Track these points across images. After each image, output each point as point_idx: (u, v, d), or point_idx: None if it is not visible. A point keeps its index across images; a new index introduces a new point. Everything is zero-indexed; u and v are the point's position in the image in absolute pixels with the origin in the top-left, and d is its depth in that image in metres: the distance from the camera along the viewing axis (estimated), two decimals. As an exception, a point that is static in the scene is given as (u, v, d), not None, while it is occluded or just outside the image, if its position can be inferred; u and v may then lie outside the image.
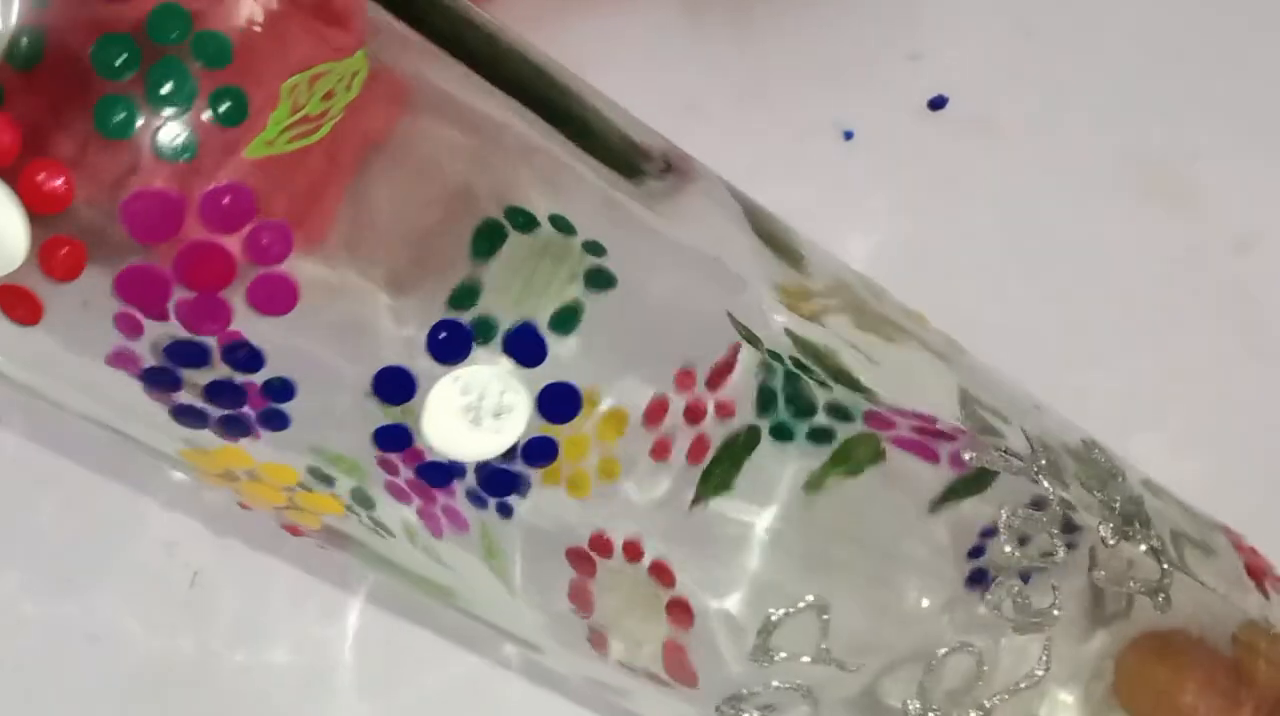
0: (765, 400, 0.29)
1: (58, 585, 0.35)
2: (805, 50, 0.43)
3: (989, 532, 0.30)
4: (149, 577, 0.36)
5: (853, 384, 0.30)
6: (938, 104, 0.43)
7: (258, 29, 0.24)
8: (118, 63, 0.23)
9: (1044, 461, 0.31)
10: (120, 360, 0.25)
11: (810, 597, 0.29)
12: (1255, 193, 0.42)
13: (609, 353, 0.28)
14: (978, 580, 0.30)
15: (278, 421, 0.26)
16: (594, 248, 0.27)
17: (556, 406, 0.26)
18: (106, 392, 0.26)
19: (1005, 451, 0.30)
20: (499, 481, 0.27)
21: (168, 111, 0.23)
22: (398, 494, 0.27)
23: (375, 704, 0.35)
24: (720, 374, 0.28)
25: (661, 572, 0.29)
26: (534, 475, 0.27)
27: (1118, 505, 0.32)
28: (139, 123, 0.23)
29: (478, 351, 0.26)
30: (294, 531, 0.29)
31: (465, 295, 0.25)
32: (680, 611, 0.30)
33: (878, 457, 0.30)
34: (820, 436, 0.29)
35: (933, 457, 0.30)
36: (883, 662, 0.30)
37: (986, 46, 0.44)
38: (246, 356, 0.24)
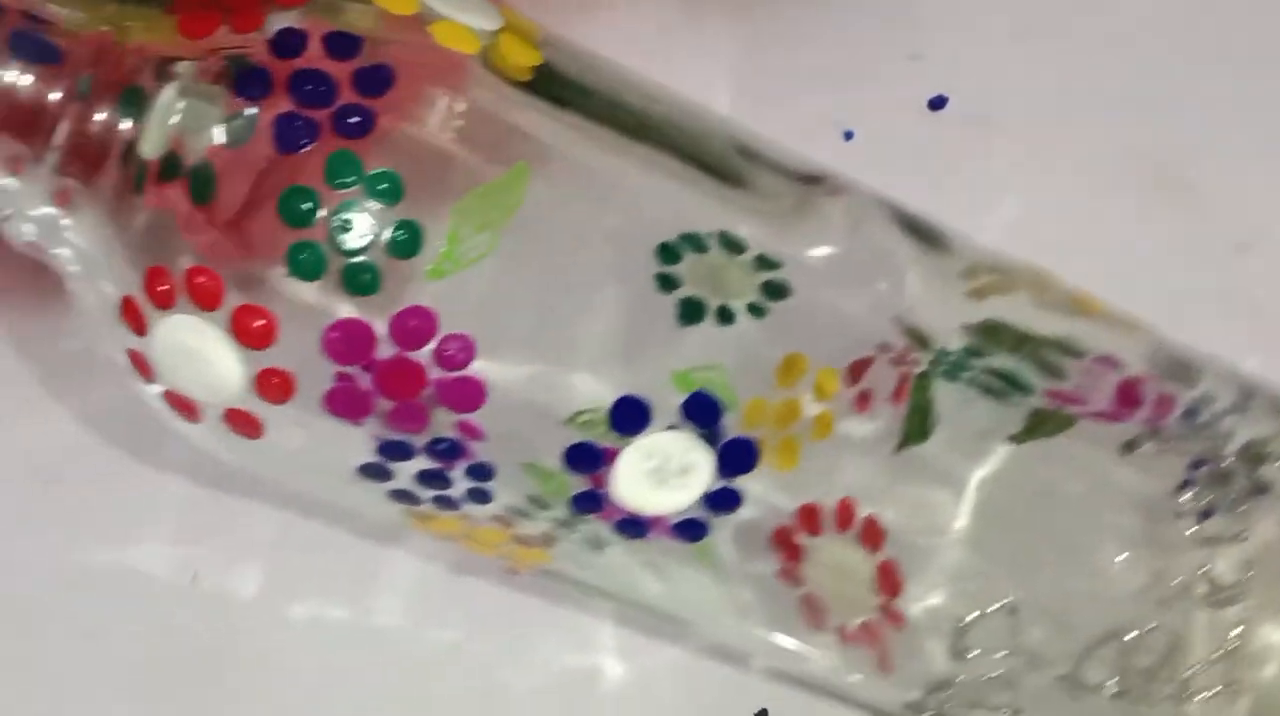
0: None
1: (56, 581, 0.36)
2: (805, 50, 0.42)
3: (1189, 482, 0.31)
4: (147, 576, 0.36)
5: (1040, 362, 0.31)
6: (938, 104, 0.42)
7: (424, 160, 0.26)
8: (302, 211, 0.25)
9: (1234, 443, 0.31)
10: (343, 457, 0.28)
11: (1005, 599, 0.31)
12: (1257, 191, 0.41)
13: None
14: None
15: (481, 497, 0.28)
16: (766, 262, 0.28)
17: (736, 461, 0.28)
18: (328, 485, 0.29)
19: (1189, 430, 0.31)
20: (691, 528, 0.29)
21: (351, 252, 0.25)
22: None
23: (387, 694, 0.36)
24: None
25: (872, 533, 0.31)
26: None
27: None
28: (327, 263, 0.25)
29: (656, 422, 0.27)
30: (514, 571, 0.32)
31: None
32: (889, 577, 0.31)
33: (1068, 425, 0.31)
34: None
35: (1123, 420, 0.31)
36: (1078, 649, 0.31)
37: (986, 46, 0.43)
38: (447, 448, 0.27)
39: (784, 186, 0.30)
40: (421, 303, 0.26)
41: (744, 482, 0.29)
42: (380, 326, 0.26)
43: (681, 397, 0.27)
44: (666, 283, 0.27)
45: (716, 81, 0.29)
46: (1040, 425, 0.30)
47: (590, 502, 0.28)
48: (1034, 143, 0.41)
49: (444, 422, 0.27)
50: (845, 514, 0.30)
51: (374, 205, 0.25)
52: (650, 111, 0.29)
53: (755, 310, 0.28)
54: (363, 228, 0.25)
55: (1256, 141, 0.42)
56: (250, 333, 0.26)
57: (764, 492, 0.30)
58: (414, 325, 0.26)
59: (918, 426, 0.30)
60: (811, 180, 0.31)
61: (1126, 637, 0.31)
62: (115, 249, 0.26)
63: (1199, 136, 0.42)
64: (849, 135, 0.41)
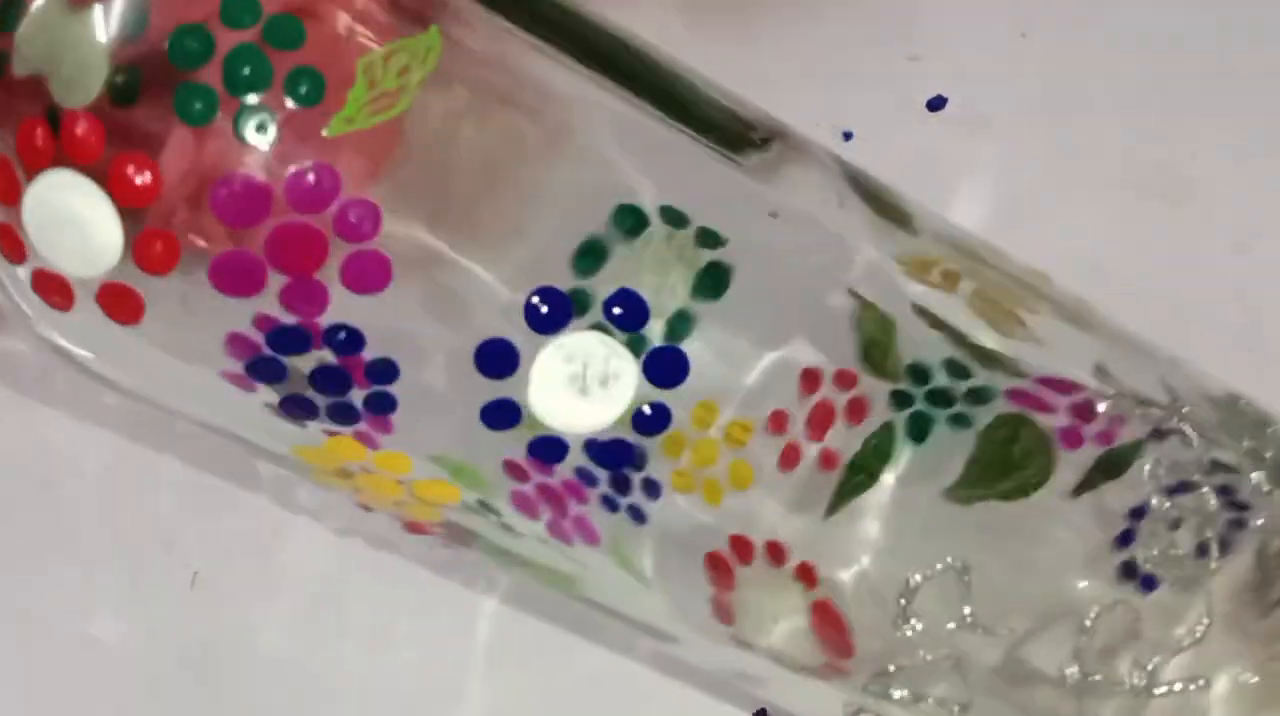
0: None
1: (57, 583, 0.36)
2: (803, 51, 0.43)
3: (1139, 512, 0.29)
4: (147, 576, 0.36)
5: (988, 357, 0.29)
6: (936, 105, 0.43)
7: (328, 8, 0.24)
8: (193, 51, 0.23)
9: (1186, 408, 0.29)
10: (230, 351, 0.25)
11: (950, 559, 0.28)
12: (1253, 191, 0.42)
13: (730, 347, 0.27)
14: (1126, 540, 0.29)
15: (385, 403, 0.25)
16: (709, 237, 0.26)
17: (664, 372, 0.26)
18: (213, 394, 0.26)
19: (1144, 401, 0.29)
20: (614, 453, 0.26)
21: (247, 97, 0.23)
22: (524, 506, 0.27)
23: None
24: (847, 378, 0.27)
25: (806, 575, 0.29)
26: (665, 480, 0.27)
27: (1269, 453, 0.30)
28: (218, 111, 0.23)
29: (577, 320, 0.25)
30: (417, 529, 0.29)
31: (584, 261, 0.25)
32: (825, 611, 0.29)
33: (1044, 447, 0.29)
34: (959, 422, 0.28)
35: (1076, 440, 0.29)
36: (1030, 625, 0.29)
37: (985, 47, 0.44)
38: (347, 338, 0.24)
39: (734, 129, 0.28)
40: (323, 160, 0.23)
41: (669, 489, 0.27)
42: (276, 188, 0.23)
43: (605, 295, 0.25)
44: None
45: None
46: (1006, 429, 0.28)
47: (502, 414, 0.26)
48: (1032, 142, 0.42)
49: (342, 307, 0.24)
50: (776, 553, 0.28)
51: (274, 50, 0.23)
52: (594, 23, 0.28)
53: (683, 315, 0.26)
54: (260, 72, 0.23)
55: (1256, 141, 0.42)
56: (131, 189, 0.23)
57: (692, 515, 0.28)
58: (314, 184, 0.23)
59: (859, 485, 0.28)
60: (760, 134, 0.29)
61: (1089, 616, 0.29)
62: None
63: (1197, 135, 0.42)
64: (848, 136, 0.42)
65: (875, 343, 0.27)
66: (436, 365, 0.25)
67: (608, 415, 0.26)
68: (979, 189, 0.42)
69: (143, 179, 0.23)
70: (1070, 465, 0.29)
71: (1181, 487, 0.29)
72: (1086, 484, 0.29)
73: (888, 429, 0.28)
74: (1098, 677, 0.29)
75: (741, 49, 0.43)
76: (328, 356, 0.25)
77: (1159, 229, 0.41)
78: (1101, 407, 0.29)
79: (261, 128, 0.23)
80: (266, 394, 0.25)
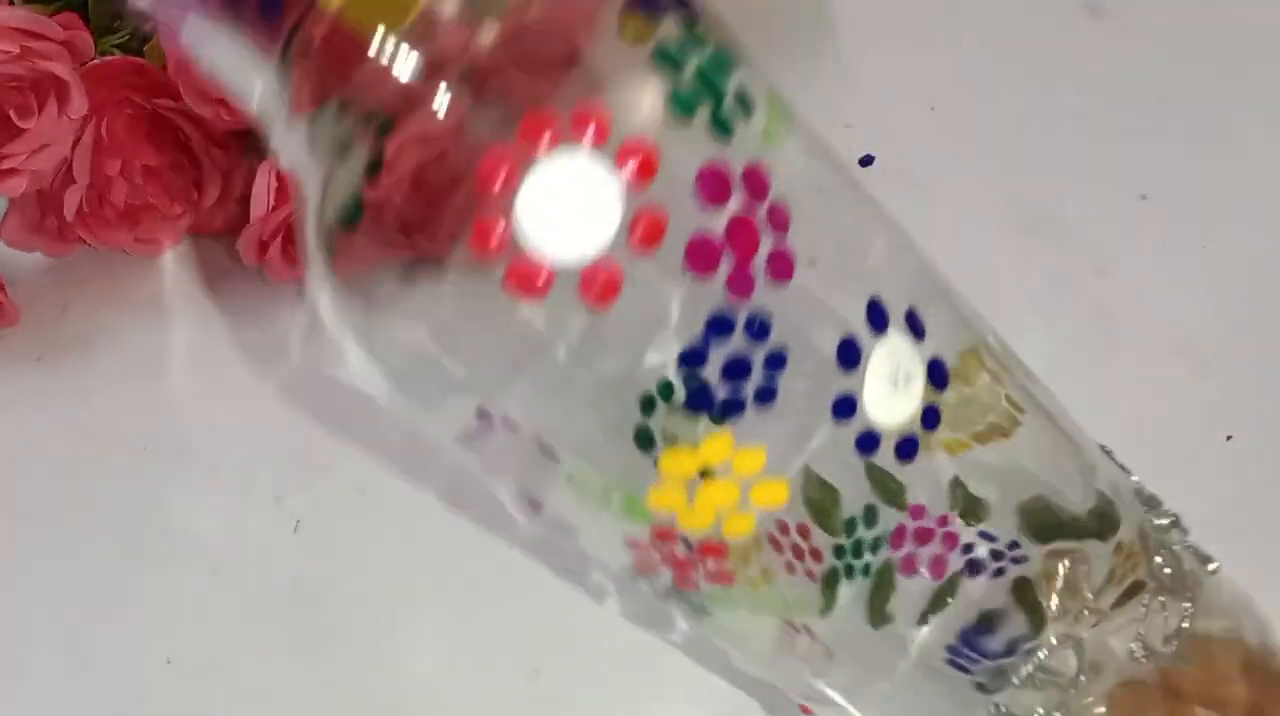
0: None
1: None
2: None
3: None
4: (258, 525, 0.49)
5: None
6: (866, 162, 0.55)
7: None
8: (674, 57, 0.27)
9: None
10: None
11: None
12: (1110, 227, 0.55)
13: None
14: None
15: (768, 396, 0.29)
16: None
17: (939, 375, 0.31)
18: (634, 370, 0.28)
19: None
20: (909, 448, 0.31)
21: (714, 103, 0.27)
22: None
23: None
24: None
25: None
26: None
27: None
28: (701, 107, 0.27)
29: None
30: (711, 552, 0.31)
31: None
32: None
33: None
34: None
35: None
36: None
37: (902, 117, 0.58)
38: (760, 326, 0.28)
39: None
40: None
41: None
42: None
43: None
44: None
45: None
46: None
47: (846, 408, 0.30)
48: (939, 190, 0.54)
49: (761, 298, 0.28)
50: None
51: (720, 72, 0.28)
52: None
53: None
54: (726, 91, 0.28)
55: (1110, 187, 0.56)
56: (636, 168, 0.26)
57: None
58: (758, 177, 0.28)
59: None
60: None
61: None
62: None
63: (1066, 184, 0.56)
64: None
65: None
66: (805, 358, 0.29)
67: (906, 410, 0.31)
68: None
69: (643, 159, 0.26)
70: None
71: None
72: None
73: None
74: None
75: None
76: (741, 344, 0.28)
77: (1035, 256, 0.53)
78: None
79: (728, 125, 0.27)
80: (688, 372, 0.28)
